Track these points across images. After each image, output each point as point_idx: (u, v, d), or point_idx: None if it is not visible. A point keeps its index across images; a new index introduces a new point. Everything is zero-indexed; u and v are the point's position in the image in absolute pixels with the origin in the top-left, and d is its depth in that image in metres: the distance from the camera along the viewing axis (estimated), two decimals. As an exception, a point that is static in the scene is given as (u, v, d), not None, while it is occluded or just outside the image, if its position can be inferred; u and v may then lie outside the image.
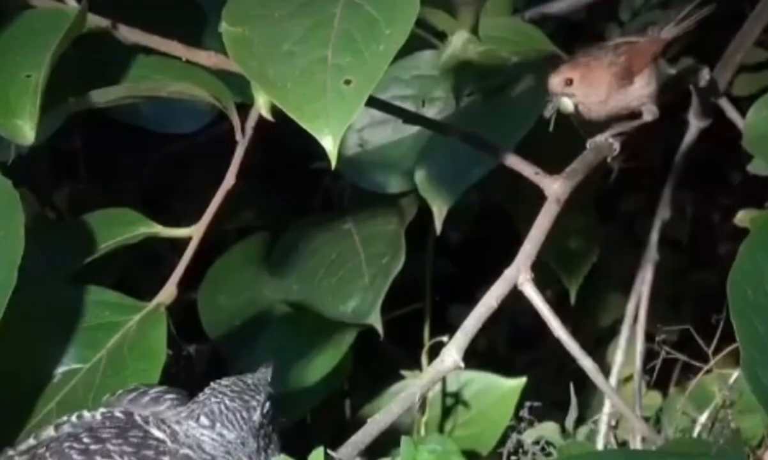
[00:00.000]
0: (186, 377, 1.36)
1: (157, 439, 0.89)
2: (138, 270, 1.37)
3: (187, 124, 1.28)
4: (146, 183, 1.50)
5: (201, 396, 0.93)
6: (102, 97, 1.01)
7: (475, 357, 1.09)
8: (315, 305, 1.30)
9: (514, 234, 1.27)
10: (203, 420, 0.90)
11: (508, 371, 1.29)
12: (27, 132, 0.96)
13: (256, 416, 0.92)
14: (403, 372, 1.31)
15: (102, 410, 0.92)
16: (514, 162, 1.12)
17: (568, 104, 1.12)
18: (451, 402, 1.30)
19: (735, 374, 1.20)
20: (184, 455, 0.89)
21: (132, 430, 0.89)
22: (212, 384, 0.94)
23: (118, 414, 0.91)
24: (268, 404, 0.93)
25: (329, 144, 0.89)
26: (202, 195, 1.15)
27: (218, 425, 0.90)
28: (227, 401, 0.91)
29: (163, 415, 0.91)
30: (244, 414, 0.91)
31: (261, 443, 0.92)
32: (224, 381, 0.94)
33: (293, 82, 0.90)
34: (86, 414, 0.92)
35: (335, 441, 1.11)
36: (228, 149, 1.11)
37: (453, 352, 1.03)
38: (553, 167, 1.11)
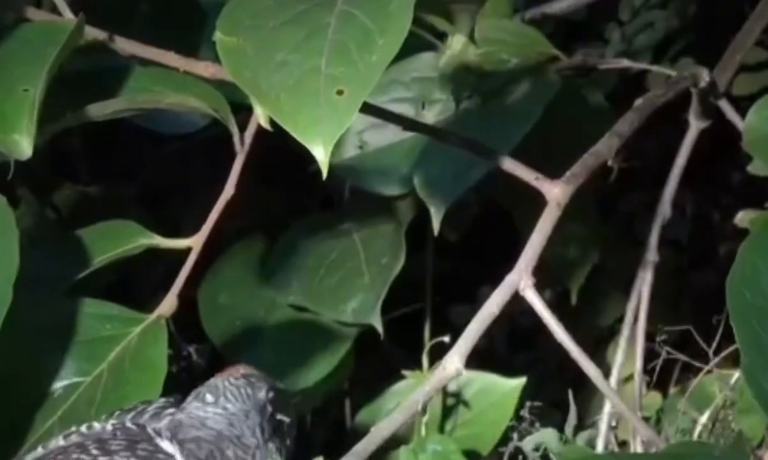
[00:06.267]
0: (186, 377, 1.36)
1: (166, 453, 0.89)
2: (136, 270, 1.37)
3: (186, 125, 1.27)
4: (146, 183, 1.50)
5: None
6: (100, 110, 1.01)
7: (475, 357, 1.09)
8: (315, 305, 1.29)
9: (514, 233, 1.28)
10: (208, 397, 0.90)
11: (508, 371, 1.28)
12: (25, 147, 0.96)
13: (261, 395, 0.91)
14: (404, 372, 1.30)
15: (113, 421, 0.91)
16: (514, 167, 1.11)
17: None
18: (452, 402, 1.30)
19: (735, 374, 1.21)
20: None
21: (142, 443, 0.89)
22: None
23: (129, 425, 0.91)
24: (272, 393, 0.93)
25: (320, 154, 0.89)
26: (202, 195, 1.15)
27: (222, 399, 0.90)
28: (232, 379, 0.92)
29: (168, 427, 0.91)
30: (249, 391, 0.91)
31: (266, 427, 0.91)
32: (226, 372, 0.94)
33: (286, 92, 0.90)
34: (96, 425, 0.91)
35: (335, 442, 1.11)
36: (228, 149, 1.11)
37: (455, 359, 1.03)
38: (553, 171, 1.11)
